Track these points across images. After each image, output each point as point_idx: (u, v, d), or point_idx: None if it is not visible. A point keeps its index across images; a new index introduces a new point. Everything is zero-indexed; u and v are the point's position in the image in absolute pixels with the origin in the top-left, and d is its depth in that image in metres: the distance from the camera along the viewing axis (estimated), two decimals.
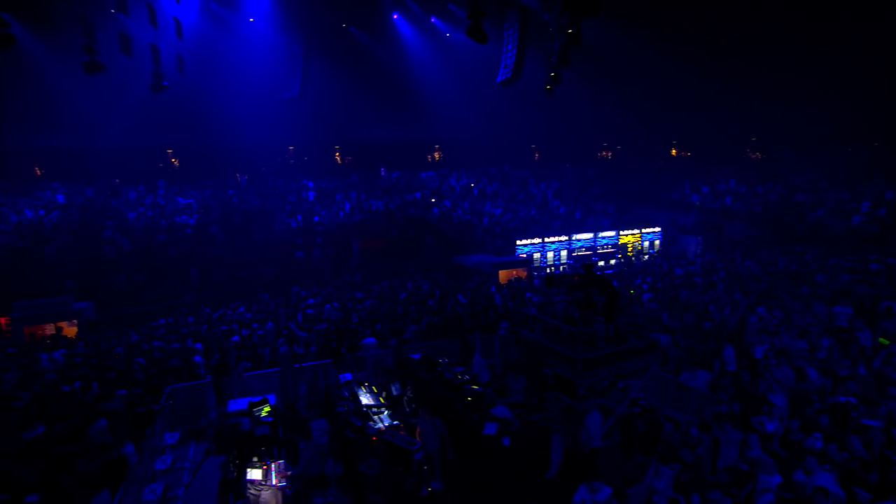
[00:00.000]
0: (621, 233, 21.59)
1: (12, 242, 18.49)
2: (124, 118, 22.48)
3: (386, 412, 8.22)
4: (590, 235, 20.99)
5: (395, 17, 23.56)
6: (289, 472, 7.42)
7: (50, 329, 13.35)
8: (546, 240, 19.92)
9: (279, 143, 27.46)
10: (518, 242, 19.48)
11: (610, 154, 33.62)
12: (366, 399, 8.73)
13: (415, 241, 21.23)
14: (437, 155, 30.59)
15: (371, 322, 12.73)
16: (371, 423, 7.97)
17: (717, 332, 11.21)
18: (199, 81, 20.20)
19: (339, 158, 29.10)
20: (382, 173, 26.32)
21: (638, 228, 21.98)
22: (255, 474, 7.32)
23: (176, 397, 9.75)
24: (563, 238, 20.27)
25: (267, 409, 9.05)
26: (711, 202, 23.40)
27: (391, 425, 7.82)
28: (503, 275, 16.74)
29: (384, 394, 9.10)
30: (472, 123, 27.44)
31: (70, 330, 13.71)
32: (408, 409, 8.35)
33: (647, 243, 22.11)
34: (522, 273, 17.17)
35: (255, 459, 7.63)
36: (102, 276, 16.45)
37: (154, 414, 8.49)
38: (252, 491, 6.93)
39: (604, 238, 21.21)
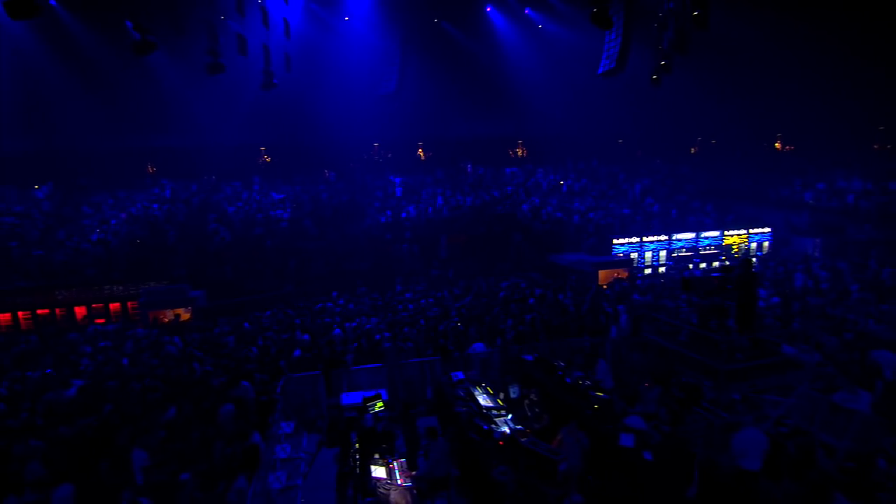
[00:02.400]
0: (726, 233, 20.01)
1: (131, 233, 19.97)
2: (225, 119, 23.70)
3: (509, 416, 7.84)
4: (691, 235, 19.61)
5: (488, 9, 23.17)
6: (413, 472, 7.23)
7: (170, 314, 14.14)
8: (644, 239, 18.81)
9: (365, 140, 27.87)
10: (615, 241, 18.51)
11: (704, 149, 31.44)
12: (483, 400, 8.40)
13: (502, 237, 20.78)
14: (520, 151, 29.91)
15: (470, 319, 12.44)
16: (493, 426, 7.63)
17: (859, 344, 9.92)
18: (292, 81, 20.86)
19: (422, 154, 29.15)
20: (468, 169, 26.02)
21: (744, 228, 20.28)
22: (379, 472, 7.19)
23: (288, 387, 9.90)
24: (663, 238, 19.05)
25: (380, 404, 8.93)
26: (828, 200, 21.17)
27: (517, 430, 7.42)
28: (603, 275, 15.93)
29: (501, 395, 8.72)
30: (558, 117, 26.55)
31: (184, 316, 14.47)
32: (531, 414, 7.92)
33: (754, 245, 20.38)
34: (623, 273, 16.26)
35: (377, 457, 7.52)
36: (209, 266, 17.28)
37: (274, 403, 8.59)
38: (381, 489, 6.77)
39: (706, 238, 19.74)
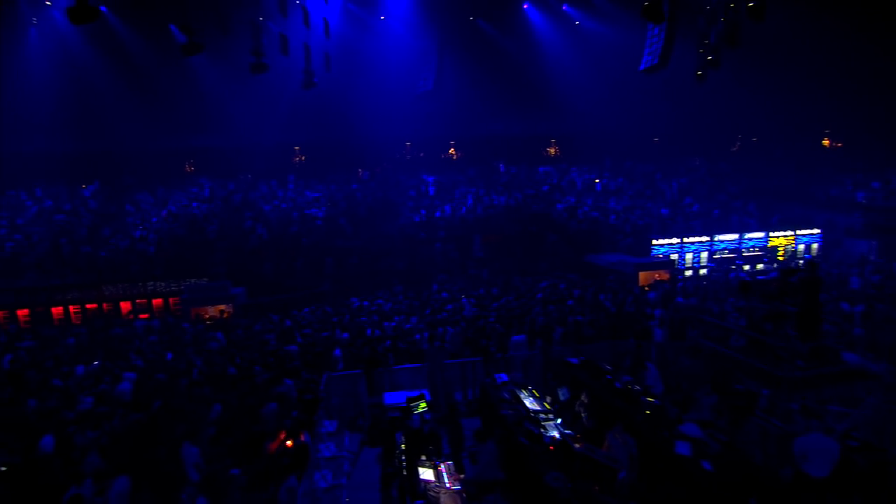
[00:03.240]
0: (771, 234, 19.30)
1: (172, 230, 20.47)
2: (261, 119, 24.13)
3: (558, 419, 7.66)
4: (734, 237, 18.98)
5: (525, 6, 22.92)
6: (461, 475, 7.13)
7: (211, 310, 14.41)
8: (685, 240, 18.28)
9: (396, 139, 27.95)
10: (654, 242, 18.06)
11: (745, 147, 30.44)
12: (530, 403, 8.24)
13: (537, 237, 20.55)
14: (553, 149, 29.53)
15: (510, 320, 12.28)
16: (543, 430, 7.47)
17: None
18: (327, 80, 21.04)
19: (453, 153, 29.07)
20: (501, 169, 25.80)
21: (791, 230, 19.52)
22: (427, 474, 7.10)
23: (330, 385, 9.92)
24: (704, 239, 18.50)
25: (423, 405, 8.85)
26: (884, 200, 20.19)
27: (568, 435, 7.24)
28: (644, 276, 15.54)
29: (548, 399, 8.54)
30: (593, 115, 26.04)
31: (225, 313, 14.71)
32: (585, 417, 7.71)
33: (801, 247, 19.60)
34: (665, 275, 15.85)
35: (424, 458, 7.44)
36: (248, 264, 17.55)
37: (318, 401, 8.61)
38: (431, 492, 6.69)
39: (750, 240, 19.08)
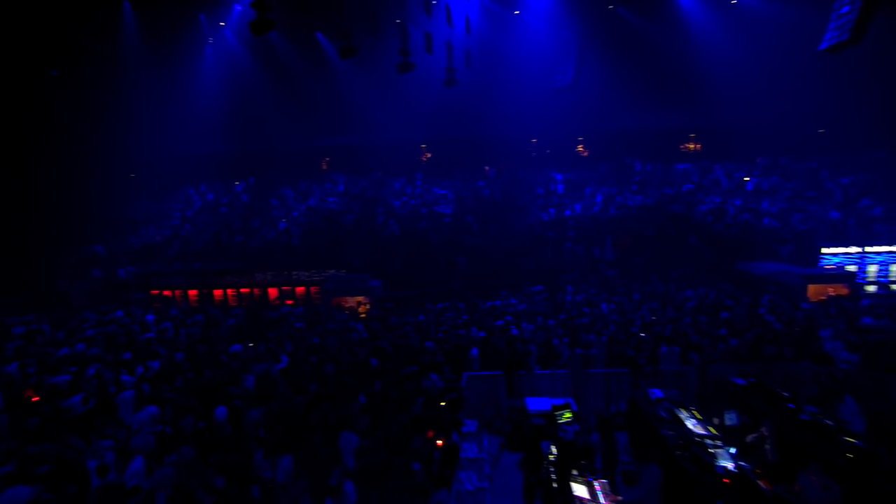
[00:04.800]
0: None
1: (309, 224, 22.00)
2: (391, 117, 25.05)
3: (730, 448, 6.78)
4: None
5: None
6: (619, 497, 6.58)
7: (350, 301, 15.17)
8: (867, 249, 15.61)
9: (523, 136, 27.46)
10: (824, 250, 15.67)
11: None
12: (692, 425, 7.42)
13: (676, 241, 18.92)
14: (692, 144, 27.10)
15: (655, 330, 11.32)
16: (713, 458, 6.65)
17: None
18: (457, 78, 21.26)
19: (582, 149, 27.89)
20: (636, 167, 24.21)
21: None
22: (580, 490, 6.65)
23: (469, 385, 9.82)
24: (894, 248, 15.62)
25: (568, 414, 8.39)
26: None
27: (744, 467, 6.35)
28: (814, 290, 13.49)
29: (715, 423, 7.64)
30: (741, 106, 23.35)
31: (362, 307, 15.37)
32: (768, 450, 6.74)
33: None
34: (843, 289, 13.62)
35: (576, 473, 7.00)
36: (381, 258, 18.23)
37: (462, 400, 8.52)
38: None
39: None
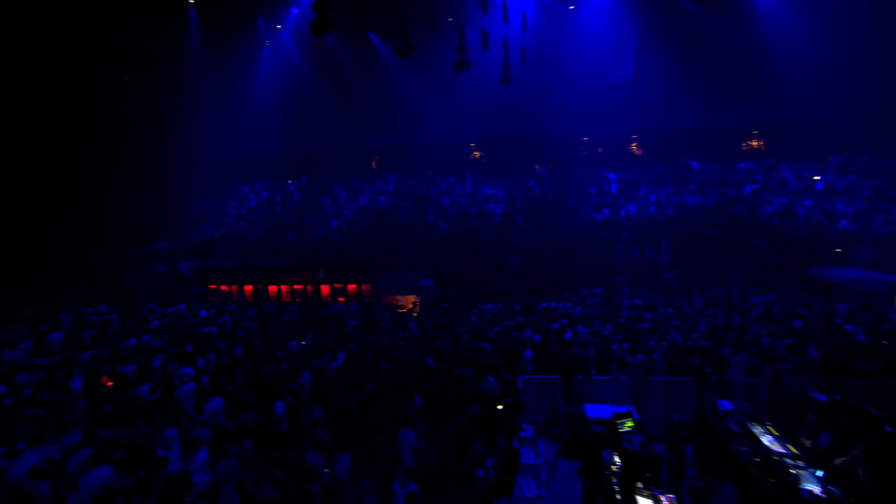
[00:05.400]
0: None
1: (360, 222, 22.27)
2: (441, 116, 25.01)
3: (816, 470, 6.28)
4: None
5: None
6: None
7: (402, 299, 15.22)
8: None
9: (574, 134, 26.85)
10: None
11: None
12: (769, 442, 6.95)
13: (738, 243, 17.98)
14: (755, 142, 25.69)
15: (720, 337, 10.75)
16: (796, 480, 6.19)
17: None
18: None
19: (635, 148, 26.98)
20: (694, 166, 23.19)
21: None
22: None
23: (524, 388, 9.60)
24: None
25: (630, 423, 8.07)
26: None
27: (833, 493, 5.87)
28: None
29: (801, 442, 7.13)
30: (811, 101, 21.89)
31: (409, 304, 15.40)
32: (861, 476, 6.20)
33: None
34: None
35: (642, 486, 6.69)
36: (431, 257, 18.21)
37: (521, 405, 8.32)
38: None
39: None
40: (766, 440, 6.99)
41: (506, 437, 6.86)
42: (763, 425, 7.36)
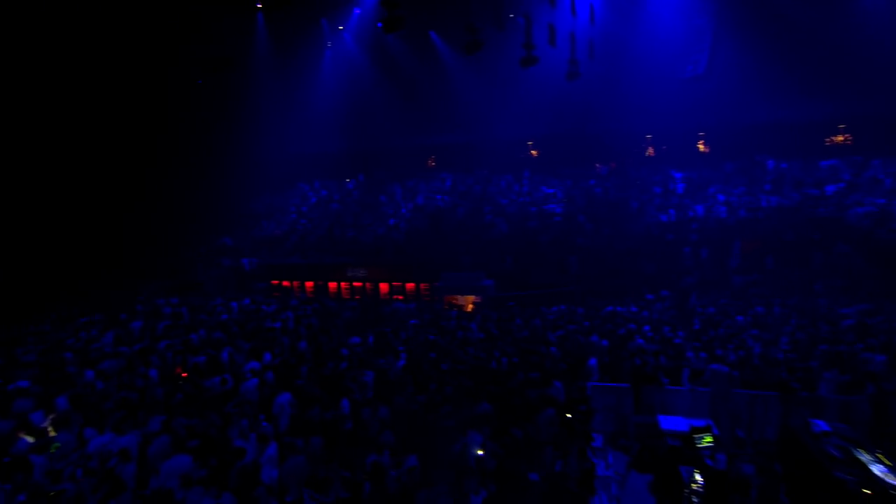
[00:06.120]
0: None
1: (416, 220, 22.30)
2: (499, 114, 24.70)
3: None
4: None
5: None
6: None
7: (459, 300, 15.08)
8: None
9: (636, 132, 25.83)
10: None
11: None
12: (881, 473, 6.26)
13: (821, 247, 16.68)
14: (839, 138, 23.77)
15: (807, 350, 9.92)
16: None
17: None
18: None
19: (702, 146, 25.63)
20: (769, 165, 21.75)
21: None
22: None
23: (592, 396, 9.21)
24: None
25: (709, 438, 7.53)
26: None
27: None
28: None
29: None
30: None
31: (470, 306, 15.20)
32: None
33: None
34: None
35: None
36: (489, 256, 17.95)
37: (592, 413, 7.96)
38: None
39: None
40: (876, 470, 6.32)
41: (579, 447, 6.53)
42: (871, 452, 6.67)
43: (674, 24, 18.86)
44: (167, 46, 17.83)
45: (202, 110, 22.09)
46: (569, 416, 7.89)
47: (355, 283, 18.43)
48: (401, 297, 17.30)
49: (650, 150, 26.05)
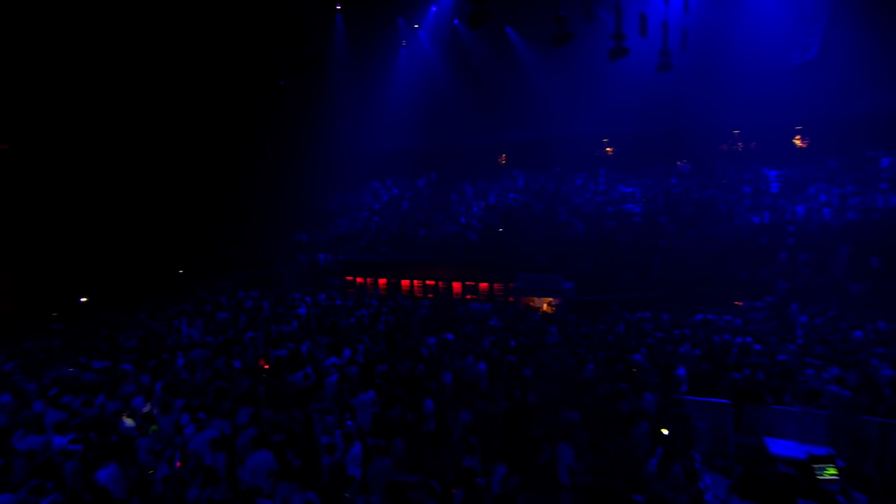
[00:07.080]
0: None
1: (489, 219, 21.99)
2: (573, 111, 23.90)
3: None
4: None
5: None
6: None
7: (536, 301, 14.65)
8: None
9: (722, 127, 24.10)
10: None
11: None
12: None
13: None
14: None
15: None
16: None
17: None
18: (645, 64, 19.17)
19: (798, 142, 23.47)
20: (883, 162, 19.56)
21: None
22: None
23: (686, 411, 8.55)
24: None
25: (832, 470, 6.75)
26: None
27: None
28: None
29: None
30: None
31: (548, 308, 14.71)
32: None
33: None
34: None
35: None
36: (566, 257, 17.34)
37: (693, 431, 7.36)
38: None
39: None
40: None
41: (686, 468, 6.02)
42: None
43: (778, 8, 17.23)
44: (255, 49, 18.64)
45: (283, 110, 22.99)
46: (664, 431, 7.36)
47: (428, 282, 18.42)
48: (472, 297, 17.07)
49: (738, 146, 24.29)
